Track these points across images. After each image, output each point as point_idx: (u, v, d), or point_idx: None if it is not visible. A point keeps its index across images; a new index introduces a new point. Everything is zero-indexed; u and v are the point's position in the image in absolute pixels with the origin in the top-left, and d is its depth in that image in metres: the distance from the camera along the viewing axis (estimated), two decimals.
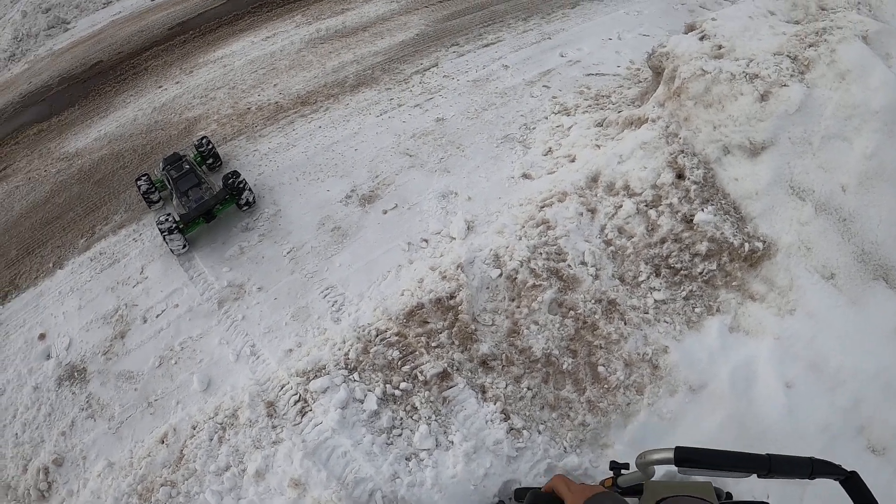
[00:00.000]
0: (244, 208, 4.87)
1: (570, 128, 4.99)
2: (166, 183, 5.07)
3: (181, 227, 4.66)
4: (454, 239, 4.32)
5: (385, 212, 4.70)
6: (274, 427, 3.61)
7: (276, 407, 3.66)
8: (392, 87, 5.91)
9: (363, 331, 3.84)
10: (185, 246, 4.68)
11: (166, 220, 4.61)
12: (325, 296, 4.23)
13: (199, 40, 8.08)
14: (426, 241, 4.42)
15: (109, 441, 4.01)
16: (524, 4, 7.08)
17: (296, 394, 3.68)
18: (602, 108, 5.16)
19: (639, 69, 5.66)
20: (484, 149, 5.02)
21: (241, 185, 4.77)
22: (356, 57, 6.55)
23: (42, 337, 4.81)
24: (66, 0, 11.17)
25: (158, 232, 4.70)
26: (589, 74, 5.62)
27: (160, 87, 7.00)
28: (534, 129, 5.09)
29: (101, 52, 8.97)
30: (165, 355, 4.25)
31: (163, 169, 5.11)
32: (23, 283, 5.37)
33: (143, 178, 5.20)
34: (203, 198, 4.75)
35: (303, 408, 3.61)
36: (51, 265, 5.36)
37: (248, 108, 6.09)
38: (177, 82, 7.07)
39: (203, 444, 3.65)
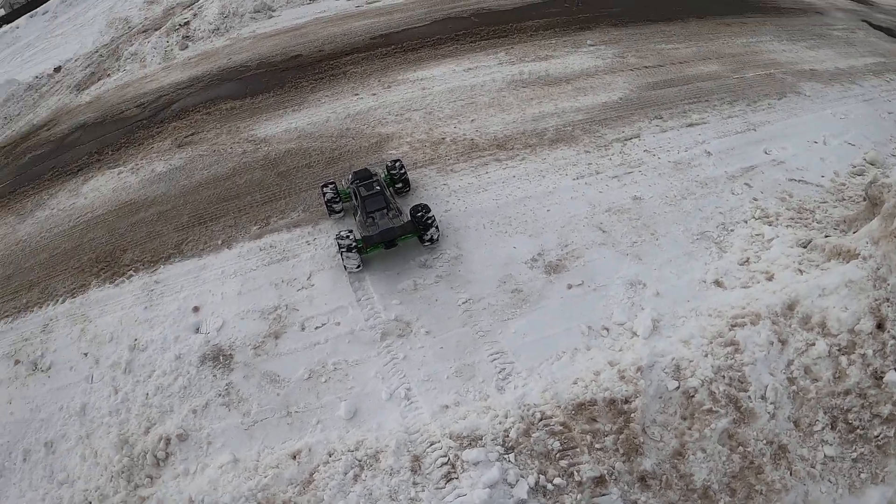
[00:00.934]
0: (426, 244, 5.11)
1: (770, 240, 4.91)
2: (353, 197, 5.46)
3: (361, 247, 4.95)
4: (637, 336, 4.29)
5: (570, 286, 4.75)
6: (415, 484, 3.67)
7: (421, 463, 3.75)
8: (591, 151, 6.06)
9: (528, 410, 3.89)
10: (359, 266, 4.99)
11: (348, 237, 4.95)
12: (494, 360, 4.31)
13: (400, 57, 8.58)
14: (607, 329, 4.42)
15: (239, 436, 4.21)
16: (730, 87, 7.08)
17: (445, 456, 3.74)
18: (806, 226, 5.05)
19: (843, 184, 5.57)
20: (679, 242, 5.02)
21: (430, 222, 5.02)
22: (557, 110, 6.75)
23: (196, 310, 5.18)
24: None
25: (336, 244, 5.03)
26: (792, 180, 5.62)
27: (357, 94, 7.39)
28: (732, 231, 5.08)
29: (303, 46, 9.67)
30: (316, 370, 4.46)
31: (352, 181, 5.52)
32: (188, 251, 5.86)
33: (331, 186, 5.63)
34: (390, 226, 5.05)
35: (449, 473, 3.66)
36: (219, 242, 5.80)
37: (443, 139, 6.35)
38: (373, 94, 7.56)
39: (336, 476, 3.78)
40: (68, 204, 7.45)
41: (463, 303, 4.71)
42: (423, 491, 3.58)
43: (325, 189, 5.62)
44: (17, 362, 5.41)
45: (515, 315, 4.57)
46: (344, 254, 4.91)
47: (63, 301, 5.82)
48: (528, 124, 6.48)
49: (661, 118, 6.39)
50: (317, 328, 4.74)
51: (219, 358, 4.72)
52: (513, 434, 3.75)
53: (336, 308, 4.86)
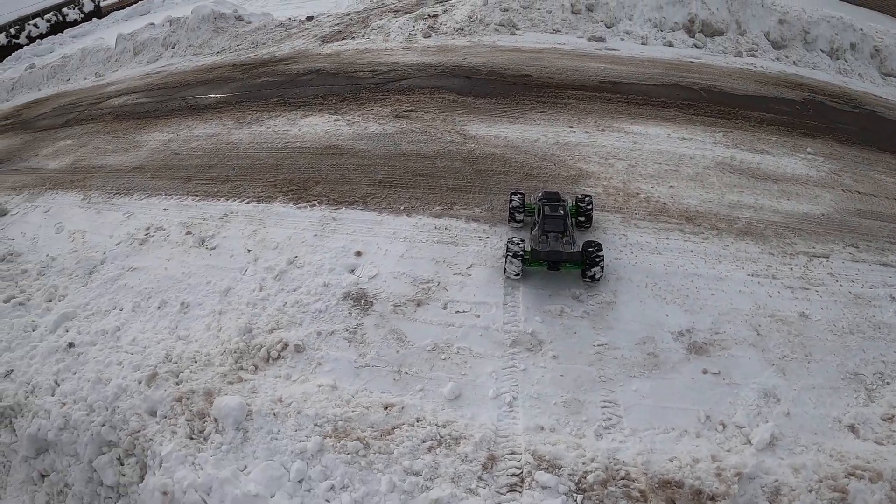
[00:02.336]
0: (587, 279, 5.26)
1: None
2: (536, 213, 5.77)
3: (526, 258, 5.22)
4: (750, 444, 4.12)
5: (705, 371, 4.66)
6: (480, 479, 3.83)
7: (494, 464, 3.90)
8: (775, 255, 5.88)
9: (615, 464, 3.90)
10: (518, 275, 5.26)
11: (519, 244, 5.23)
12: (604, 407, 4.35)
13: (622, 107, 8.80)
14: (724, 425, 4.27)
15: (347, 370, 4.64)
16: None
17: (519, 468, 3.86)
18: None
19: None
20: (829, 373, 4.70)
21: (597, 260, 5.17)
22: (756, 204, 6.60)
23: (358, 254, 5.77)
24: (522, 9, 12.60)
25: (505, 247, 5.30)
26: None
27: (571, 127, 7.78)
28: (888, 384, 4.65)
29: (534, 68, 10.22)
30: (440, 346, 4.76)
31: (540, 199, 5.84)
32: (371, 204, 6.55)
33: (519, 195, 6.00)
34: (560, 249, 5.25)
35: (515, 484, 3.78)
36: (401, 207, 6.41)
37: (637, 193, 6.50)
38: (586, 132, 7.92)
39: (414, 439, 4.04)
40: (283, 129, 8.48)
41: (598, 345, 4.79)
42: (485, 488, 3.71)
43: (513, 196, 5.98)
44: (188, 233, 6.45)
45: (642, 376, 4.56)
46: (509, 258, 5.18)
47: (248, 202, 6.78)
48: (723, 209, 6.40)
49: (856, 247, 6.04)
50: (457, 312, 5.05)
51: (360, 301, 5.20)
52: (590, 479, 3.77)
53: (481, 302, 5.14)
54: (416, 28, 13.15)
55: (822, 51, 11.34)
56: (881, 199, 7.02)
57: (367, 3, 17.07)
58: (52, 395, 4.89)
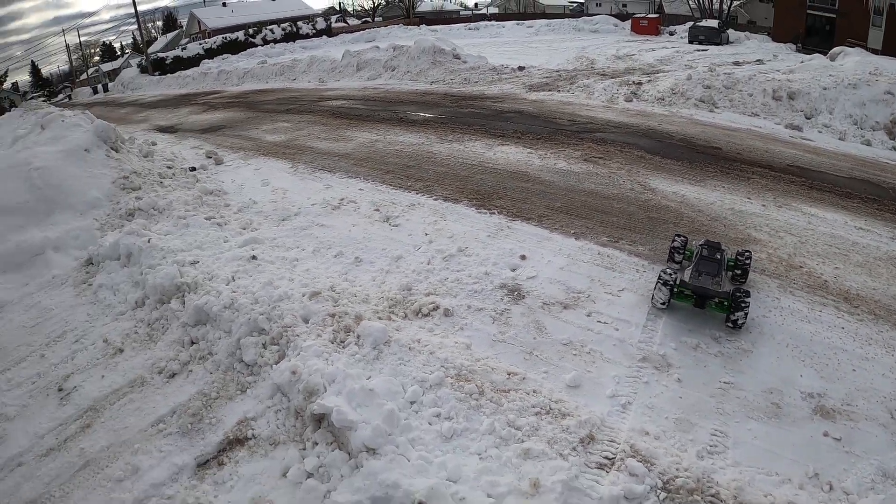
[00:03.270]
0: (728, 324, 5.23)
1: None
2: (694, 255, 5.84)
3: (675, 288, 5.33)
4: None
5: (826, 434, 4.41)
6: (574, 450, 4.00)
7: (592, 442, 4.06)
8: None
9: (707, 480, 3.89)
10: (664, 304, 5.38)
11: (671, 275, 5.37)
12: (714, 435, 4.31)
13: (805, 191, 8.52)
14: (830, 486, 4.04)
15: (485, 340, 5.08)
16: None
17: (614, 454, 3.99)
18: None
19: None
20: None
21: (742, 305, 5.14)
22: None
23: (522, 258, 6.26)
24: (724, 89, 13.05)
25: (658, 276, 5.42)
26: None
27: (749, 198, 7.91)
28: None
29: (725, 143, 10.28)
30: (574, 343, 5.04)
31: (700, 245, 5.89)
32: (544, 223, 7.07)
33: (682, 238, 6.16)
34: (707, 286, 5.30)
35: (605, 464, 3.93)
36: (571, 231, 6.82)
37: (800, 266, 6.40)
38: (763, 205, 7.87)
39: (525, 402, 4.37)
40: (479, 151, 9.32)
41: (724, 382, 4.74)
42: (575, 457, 3.89)
43: (676, 237, 6.13)
44: (376, 210, 7.41)
45: (760, 420, 4.45)
46: (659, 285, 5.33)
47: (435, 199, 7.59)
48: (886, 298, 6.01)
49: None
50: (598, 322, 5.28)
51: (514, 292, 5.62)
52: (679, 482, 3.77)
53: (623, 319, 5.33)
54: (619, 91, 13.55)
55: None
56: None
57: (576, 65, 17.82)
58: (227, 285, 5.79)
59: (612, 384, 4.61)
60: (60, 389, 5.26)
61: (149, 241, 6.74)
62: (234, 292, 5.58)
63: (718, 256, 5.62)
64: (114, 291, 6.47)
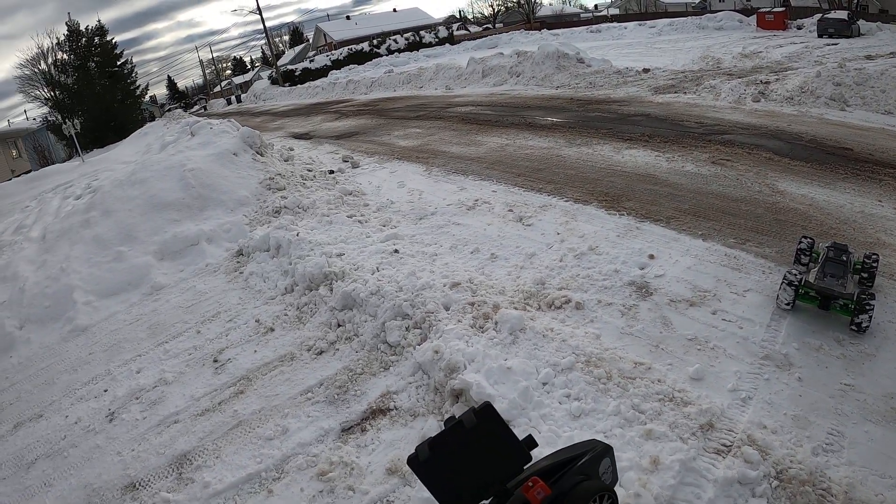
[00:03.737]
0: (853, 327, 5.21)
1: None
2: (820, 257, 5.81)
3: (799, 288, 5.40)
4: None
5: None
6: (693, 434, 4.20)
7: (711, 430, 4.23)
8: None
9: (819, 474, 3.96)
10: (789, 304, 5.45)
11: (795, 275, 5.44)
12: (830, 434, 4.36)
13: None
14: None
15: (612, 332, 5.35)
16: None
17: (731, 442, 4.15)
18: None
19: None
20: None
21: (867, 308, 5.11)
22: None
23: (650, 257, 6.51)
24: (856, 85, 12.50)
25: (784, 276, 5.50)
26: None
27: (880, 201, 7.74)
28: None
29: (857, 143, 9.85)
30: (699, 339, 5.24)
31: (827, 246, 5.84)
32: (672, 224, 7.22)
33: (809, 240, 6.14)
34: (832, 287, 5.32)
35: (721, 450, 4.09)
36: (699, 233, 6.97)
37: None
38: (895, 208, 7.28)
39: (650, 389, 4.60)
40: (608, 154, 9.51)
41: (845, 384, 4.80)
42: (694, 441, 4.10)
43: (803, 239, 6.14)
44: (510, 210, 7.82)
45: (879, 423, 4.48)
46: (784, 285, 5.44)
47: (566, 201, 7.92)
48: None
49: None
50: (723, 319, 5.46)
51: (642, 289, 5.93)
52: (792, 473, 3.92)
53: (748, 318, 5.47)
54: (746, 92, 13.20)
55: None
56: None
57: (702, 65, 17.40)
58: (372, 274, 6.38)
59: (734, 379, 4.81)
60: (216, 361, 6.01)
61: (297, 235, 7.49)
62: (380, 281, 6.15)
63: (844, 259, 5.60)
64: (264, 279, 7.26)
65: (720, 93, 13.46)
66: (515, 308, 5.70)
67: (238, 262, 7.76)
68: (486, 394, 4.41)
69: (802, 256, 6.06)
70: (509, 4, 71.16)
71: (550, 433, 4.24)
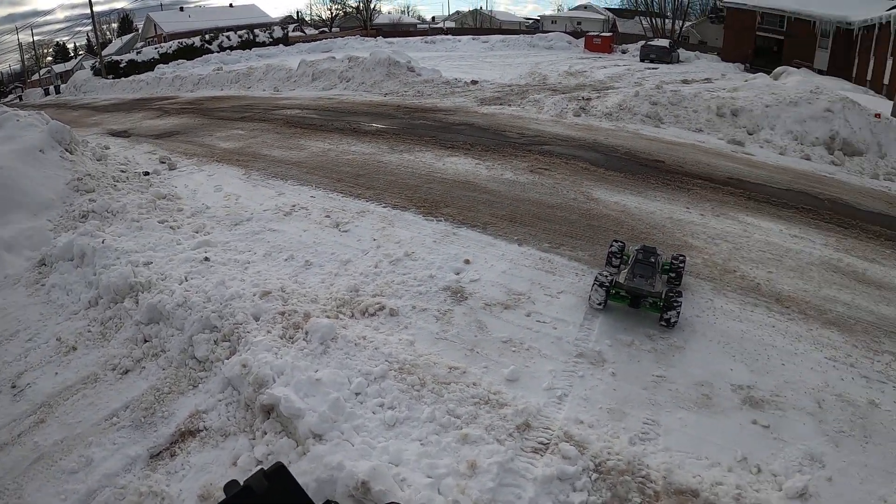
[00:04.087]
0: (662, 323, 5.65)
1: None
2: (630, 259, 6.27)
3: (610, 288, 5.76)
4: (781, 490, 4.18)
5: (755, 422, 4.76)
6: (510, 436, 4.27)
7: (527, 429, 4.33)
8: (858, 347, 5.87)
9: (637, 463, 4.19)
10: (601, 304, 5.80)
11: (606, 276, 5.82)
12: (646, 423, 4.65)
13: (742, 201, 9.19)
14: (759, 469, 4.36)
15: (427, 338, 5.38)
16: None
17: (548, 440, 4.29)
18: None
19: None
20: (886, 458, 4.59)
21: (675, 304, 5.56)
22: (852, 303, 6.64)
23: (467, 262, 6.68)
24: (670, 105, 13.96)
25: (594, 279, 5.84)
26: None
27: (688, 209, 8.48)
28: None
29: (669, 157, 11.00)
30: (514, 340, 5.39)
31: (637, 249, 6.33)
32: (489, 230, 7.55)
33: (620, 243, 6.66)
34: (641, 286, 5.73)
35: (540, 449, 4.21)
36: (515, 238, 7.29)
37: (734, 271, 6.93)
38: (701, 214, 8.47)
39: (465, 393, 4.65)
40: (429, 161, 9.83)
41: (657, 375, 5.12)
42: (511, 442, 4.17)
43: (614, 243, 6.59)
44: (327, 216, 7.81)
45: (690, 409, 4.82)
46: (595, 286, 5.74)
47: (384, 207, 8.03)
48: (816, 299, 6.54)
49: None
50: (537, 321, 5.64)
51: (457, 294, 5.98)
52: (610, 464, 4.09)
53: (561, 319, 5.70)
54: (568, 106, 14.20)
55: None
56: None
57: (529, 80, 18.60)
58: (179, 284, 6.03)
59: (549, 378, 4.94)
60: (13, 386, 5.42)
61: (103, 242, 6.94)
62: (188, 291, 5.86)
63: (653, 260, 6.05)
64: (67, 291, 6.68)
65: (543, 106, 14.46)
66: (328, 316, 5.56)
67: (40, 272, 7.10)
68: (296, 408, 4.26)
69: (613, 259, 6.49)
70: (347, 10, 72.84)
71: (364, 444, 4.13)
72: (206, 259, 6.60)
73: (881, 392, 5.35)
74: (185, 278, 6.20)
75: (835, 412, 5.05)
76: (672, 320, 5.61)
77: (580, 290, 6.16)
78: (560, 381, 4.92)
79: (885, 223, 8.93)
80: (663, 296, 5.66)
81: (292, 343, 5.19)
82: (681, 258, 6.42)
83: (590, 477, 4.03)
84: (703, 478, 4.18)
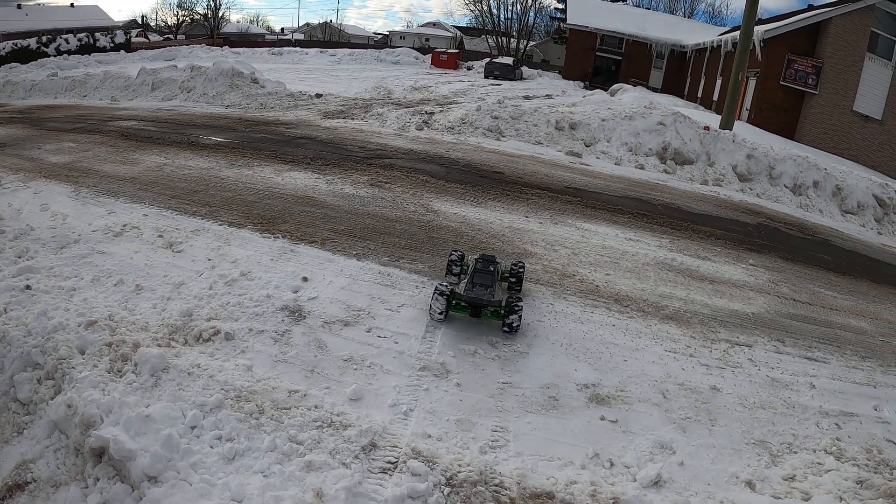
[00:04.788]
0: (504, 329, 5.84)
1: (828, 470, 4.77)
2: (469, 268, 6.46)
3: (450, 299, 5.87)
4: (635, 481, 4.40)
5: (603, 418, 5.05)
6: (357, 458, 4.21)
7: (374, 449, 4.30)
8: (697, 339, 6.45)
9: (491, 472, 4.24)
10: (441, 314, 5.89)
11: (445, 287, 5.93)
12: (495, 431, 4.74)
13: (580, 209, 9.88)
14: (612, 463, 4.59)
15: (265, 361, 5.21)
16: (871, 345, 6.95)
17: (396, 458, 4.26)
18: (876, 472, 4.82)
19: None
20: (733, 437, 5.06)
21: (515, 310, 5.78)
22: (687, 298, 7.30)
23: (304, 280, 6.55)
24: (511, 119, 14.67)
25: (434, 290, 5.93)
26: (891, 441, 5.30)
27: (527, 217, 8.97)
28: (795, 453, 4.96)
29: (508, 168, 11.61)
30: (355, 358, 5.33)
31: (476, 258, 6.52)
32: (327, 245, 7.46)
33: (458, 253, 6.85)
34: (481, 296, 5.89)
35: (388, 468, 4.18)
36: (353, 252, 7.30)
37: (574, 275, 7.33)
38: (540, 223, 8.96)
39: (306, 417, 4.54)
40: (268, 176, 9.61)
41: (503, 382, 5.25)
42: (358, 465, 4.11)
43: (454, 252, 6.74)
44: (160, 236, 7.37)
45: (538, 413, 4.98)
46: (435, 296, 5.81)
47: (220, 224, 7.68)
48: (653, 297, 7.07)
49: (781, 342, 6.59)
50: (378, 336, 5.60)
51: (295, 314, 5.80)
52: (462, 476, 4.12)
53: (402, 333, 5.71)
54: (411, 120, 14.49)
55: (786, 186, 12.47)
56: (816, 307, 7.73)
57: (374, 94, 18.81)
58: None
59: (394, 394, 4.91)
60: None
61: None
62: (6, 325, 5.33)
63: (492, 269, 6.25)
64: None
65: (387, 120, 14.69)
66: (159, 345, 5.18)
67: None
68: (126, 449, 3.92)
69: (454, 267, 6.67)
70: (195, 17, 70.58)
71: (203, 483, 3.88)
72: (28, 287, 6.01)
73: (721, 377, 5.85)
74: (4, 310, 5.61)
75: (679, 400, 5.44)
76: (514, 325, 5.79)
77: (421, 302, 6.23)
78: (405, 397, 4.91)
79: (714, 224, 9.88)
80: (504, 303, 5.86)
81: (121, 377, 4.78)
82: (520, 264, 6.69)
83: (442, 492, 4.03)
84: (558, 478, 4.32)
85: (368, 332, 5.66)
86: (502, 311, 5.83)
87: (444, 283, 5.94)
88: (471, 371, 5.33)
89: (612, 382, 5.50)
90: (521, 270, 6.63)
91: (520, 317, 5.79)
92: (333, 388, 4.91)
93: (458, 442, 4.54)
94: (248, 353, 5.23)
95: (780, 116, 24.27)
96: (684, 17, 60.23)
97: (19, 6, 54.80)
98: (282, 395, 4.72)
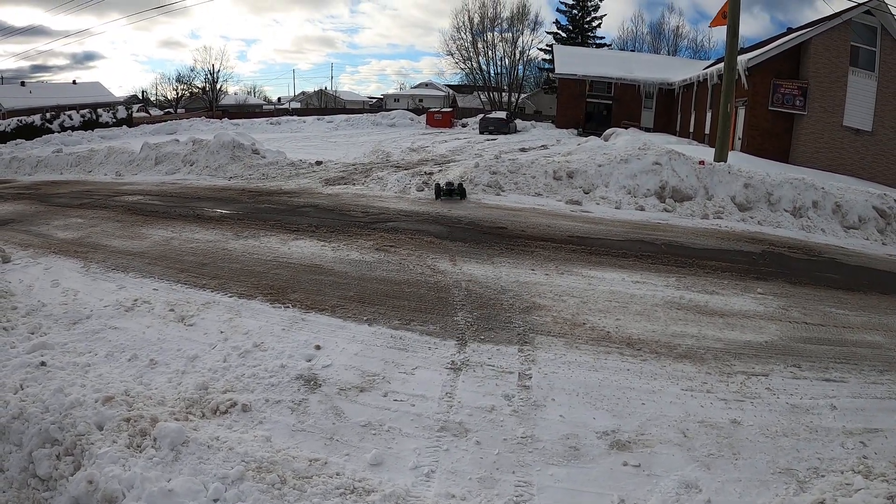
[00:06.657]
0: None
1: (858, 490, 4.68)
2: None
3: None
4: None
5: (625, 464, 5.00)
6: None
7: None
8: (712, 374, 6.44)
9: None
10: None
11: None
12: (519, 486, 4.71)
13: (584, 256, 10.01)
14: None
15: (284, 431, 5.23)
16: (888, 358, 6.91)
17: None
18: None
19: None
20: (758, 468, 5.01)
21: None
22: (699, 334, 7.31)
23: (317, 348, 6.65)
24: (509, 174, 14.86)
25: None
26: None
27: (533, 270, 9.11)
28: (822, 476, 4.91)
29: (511, 223, 11.84)
30: (373, 424, 5.37)
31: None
32: (338, 313, 7.56)
33: None
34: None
35: None
36: (364, 318, 7.40)
37: (584, 323, 7.37)
38: (546, 274, 9.05)
39: (329, 485, 4.51)
40: (274, 246, 9.84)
41: (522, 437, 5.25)
42: None
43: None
44: (171, 310, 7.51)
45: (560, 464, 4.98)
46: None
47: (230, 297, 7.84)
48: (665, 337, 7.12)
49: (798, 367, 6.58)
50: (395, 400, 5.64)
51: (310, 382, 5.86)
52: None
53: (420, 395, 5.75)
54: (411, 182, 14.79)
55: (786, 210, 12.62)
56: (829, 327, 7.75)
57: (372, 158, 19.24)
58: (14, 394, 5.50)
59: (414, 456, 4.92)
60: None
61: None
62: (24, 401, 5.36)
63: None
64: None
65: (387, 183, 15.02)
66: (176, 419, 5.23)
67: None
68: None
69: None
70: (193, 90, 72.52)
71: None
72: (43, 364, 6.12)
73: (740, 410, 5.85)
74: (21, 386, 5.69)
75: (700, 438, 5.43)
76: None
77: (434, 363, 6.28)
78: (425, 458, 4.92)
79: (719, 257, 10.00)
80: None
81: (140, 452, 4.84)
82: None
83: None
84: None
85: (385, 396, 5.71)
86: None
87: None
88: (489, 428, 5.35)
89: (631, 427, 5.51)
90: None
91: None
92: (353, 454, 4.93)
93: (482, 500, 4.53)
94: (266, 424, 5.28)
95: (773, 141, 24.70)
96: (668, 55, 61.73)
97: (23, 83, 56.36)
98: (302, 464, 4.74)
